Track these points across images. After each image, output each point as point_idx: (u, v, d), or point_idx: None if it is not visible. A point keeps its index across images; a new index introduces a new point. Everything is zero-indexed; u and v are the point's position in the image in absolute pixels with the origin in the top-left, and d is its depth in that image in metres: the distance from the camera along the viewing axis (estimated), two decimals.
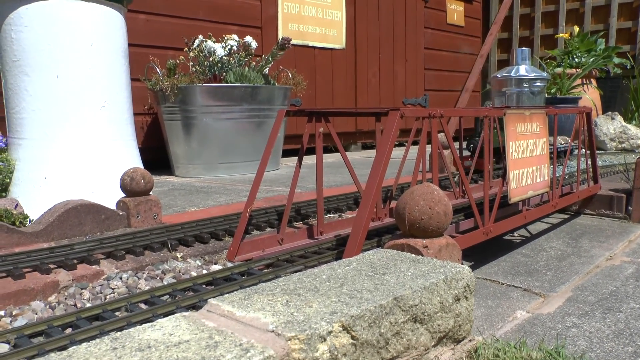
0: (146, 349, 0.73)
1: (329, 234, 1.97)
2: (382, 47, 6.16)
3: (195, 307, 1.32)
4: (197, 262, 1.73)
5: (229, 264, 1.70)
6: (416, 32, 6.63)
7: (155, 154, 4.11)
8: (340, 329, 0.79)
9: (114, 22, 2.54)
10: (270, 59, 3.86)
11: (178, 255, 1.75)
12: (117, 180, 2.19)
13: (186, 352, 0.71)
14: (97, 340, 0.79)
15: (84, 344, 0.78)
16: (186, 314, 0.84)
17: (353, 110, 2.29)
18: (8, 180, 2.45)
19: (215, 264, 1.73)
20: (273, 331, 0.75)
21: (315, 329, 0.76)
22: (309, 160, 2.50)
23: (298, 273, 1.01)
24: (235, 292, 0.90)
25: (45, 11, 2.33)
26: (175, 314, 0.84)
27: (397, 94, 6.35)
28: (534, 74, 5.73)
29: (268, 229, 2.04)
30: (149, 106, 4.19)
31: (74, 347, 0.78)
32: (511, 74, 5.82)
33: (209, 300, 0.87)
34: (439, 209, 1.27)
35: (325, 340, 0.77)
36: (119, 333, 0.81)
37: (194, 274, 1.62)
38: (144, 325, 0.82)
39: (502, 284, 1.73)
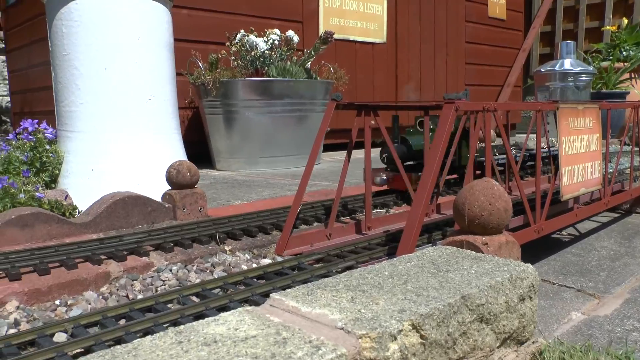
0: (212, 344, 0.72)
1: (377, 229, 1.94)
2: (423, 41, 6.07)
3: (248, 301, 1.30)
4: (246, 255, 1.72)
5: (279, 258, 1.69)
6: (457, 26, 6.51)
7: (196, 147, 4.13)
8: (410, 327, 0.77)
9: (160, 16, 2.55)
10: (312, 53, 3.84)
11: (226, 248, 1.75)
12: (162, 173, 2.20)
13: (254, 348, 0.69)
14: (162, 333, 0.78)
15: (148, 337, 0.77)
16: (249, 308, 0.83)
17: (403, 104, 2.26)
18: (57, 172, 2.49)
19: (265, 257, 1.72)
20: (342, 328, 0.73)
21: (385, 327, 0.73)
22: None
23: (359, 269, 0.99)
24: (297, 287, 0.88)
25: (95, 6, 2.36)
26: (238, 309, 0.83)
27: (437, 89, 6.26)
28: (580, 68, 5.57)
29: (315, 224, 2.02)
30: (190, 100, 4.22)
31: (139, 340, 0.77)
32: (555, 68, 5.68)
33: (271, 294, 0.86)
34: (499, 205, 1.23)
35: (395, 339, 0.74)
36: (182, 327, 0.79)
37: (244, 267, 1.61)
38: (207, 319, 0.81)
39: (554, 283, 1.68)
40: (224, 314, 0.81)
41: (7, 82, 5.98)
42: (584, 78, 5.55)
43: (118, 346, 0.75)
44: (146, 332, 1.17)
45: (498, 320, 0.97)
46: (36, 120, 2.51)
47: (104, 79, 2.39)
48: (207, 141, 3.97)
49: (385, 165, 2.53)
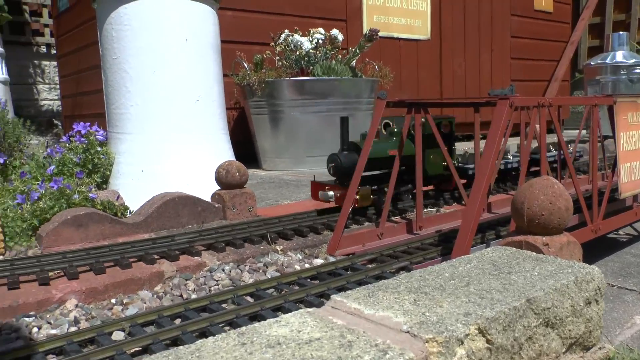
0: (276, 346, 0.71)
1: (429, 228, 1.91)
2: (468, 37, 5.97)
3: (302, 302, 1.30)
4: (298, 255, 1.72)
5: (331, 258, 1.68)
6: (503, 20, 6.37)
7: (242, 147, 4.16)
8: (476, 332, 0.74)
9: (207, 18, 2.57)
10: (357, 51, 3.82)
11: (278, 248, 1.75)
12: (211, 173, 2.22)
13: (320, 350, 0.68)
14: (224, 334, 0.78)
15: (211, 338, 0.77)
16: (310, 310, 0.82)
17: (453, 101, 2.22)
18: (108, 173, 2.55)
19: (317, 257, 1.71)
20: (408, 332, 0.71)
21: (452, 331, 0.71)
22: None
23: (419, 270, 0.97)
24: (358, 288, 0.87)
25: (144, 10, 2.40)
26: (300, 310, 0.82)
27: (482, 85, 6.14)
28: (633, 60, 5.39)
29: (366, 223, 2.00)
30: (235, 101, 4.25)
31: (201, 341, 0.77)
32: (607, 61, 5.50)
33: (332, 296, 0.85)
34: (560, 204, 1.19)
35: (462, 343, 0.72)
36: (244, 328, 0.79)
37: (297, 267, 1.60)
38: (268, 320, 0.80)
39: (613, 286, 1.61)
40: (285, 316, 0.81)
41: (58, 87, 6.17)
42: (638, 70, 5.36)
43: (181, 347, 0.75)
44: (202, 332, 1.17)
45: (564, 325, 0.93)
46: (88, 123, 2.57)
47: (153, 81, 2.43)
48: (252, 141, 4.00)
49: (334, 179, 2.07)
